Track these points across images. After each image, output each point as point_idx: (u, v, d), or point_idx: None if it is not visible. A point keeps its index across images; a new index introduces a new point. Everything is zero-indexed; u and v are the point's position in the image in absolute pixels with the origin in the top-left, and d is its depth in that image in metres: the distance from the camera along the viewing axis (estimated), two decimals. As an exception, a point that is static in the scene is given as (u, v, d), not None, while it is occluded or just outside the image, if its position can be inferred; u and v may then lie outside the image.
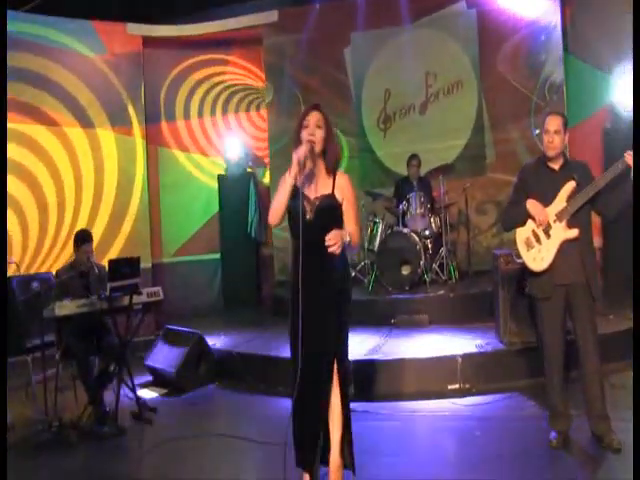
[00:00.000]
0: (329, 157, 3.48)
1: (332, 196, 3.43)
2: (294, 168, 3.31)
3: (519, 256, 4.12)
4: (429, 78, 8.96)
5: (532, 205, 3.99)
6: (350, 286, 3.67)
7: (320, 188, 3.45)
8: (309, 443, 3.45)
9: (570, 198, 3.93)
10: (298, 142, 3.40)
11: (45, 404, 5.01)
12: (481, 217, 8.59)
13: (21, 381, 5.89)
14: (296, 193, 3.39)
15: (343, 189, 3.46)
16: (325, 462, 3.51)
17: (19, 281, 5.95)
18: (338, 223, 3.43)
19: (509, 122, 8.52)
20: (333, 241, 3.26)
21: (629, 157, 3.76)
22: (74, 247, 5.48)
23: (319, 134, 3.41)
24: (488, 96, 8.68)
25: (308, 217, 3.40)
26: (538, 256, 3.99)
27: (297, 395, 3.39)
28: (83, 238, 5.47)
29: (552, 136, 3.96)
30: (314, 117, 3.43)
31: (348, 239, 3.35)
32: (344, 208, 3.46)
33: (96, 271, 5.45)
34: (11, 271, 6.60)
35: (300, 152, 3.33)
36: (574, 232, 3.91)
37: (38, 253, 8.01)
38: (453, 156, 8.60)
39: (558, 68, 8.29)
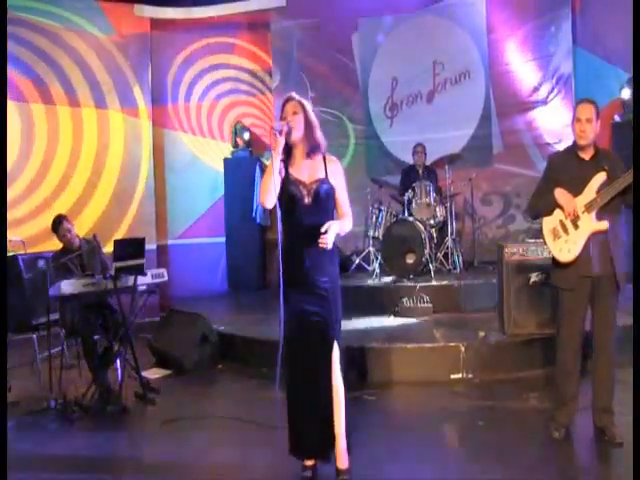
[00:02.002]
0: (309, 139, 3.48)
1: (327, 180, 3.47)
2: (274, 142, 3.34)
3: (545, 245, 4.05)
4: (437, 67, 8.94)
5: (561, 194, 3.88)
6: (339, 271, 3.65)
7: (313, 172, 3.48)
8: (321, 432, 3.46)
9: (600, 189, 3.82)
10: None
11: (50, 381, 5.02)
12: (487, 208, 8.58)
13: (26, 358, 5.92)
14: (291, 180, 3.45)
15: (335, 173, 3.51)
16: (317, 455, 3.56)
17: (25, 259, 5.96)
18: (333, 207, 3.51)
19: (516, 113, 8.50)
20: (327, 240, 3.31)
21: None
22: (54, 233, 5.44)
23: (297, 119, 3.44)
24: (496, 86, 8.65)
25: (306, 201, 3.43)
26: (565, 247, 3.90)
27: (299, 384, 3.47)
28: (54, 224, 5.41)
29: (584, 125, 3.84)
30: (289, 106, 3.48)
31: (339, 229, 3.41)
32: (337, 192, 3.51)
33: (85, 246, 5.44)
34: (17, 249, 6.59)
35: (275, 125, 3.38)
36: (603, 224, 3.81)
37: (44, 231, 7.96)
38: (460, 146, 8.58)
39: (567, 60, 8.26)
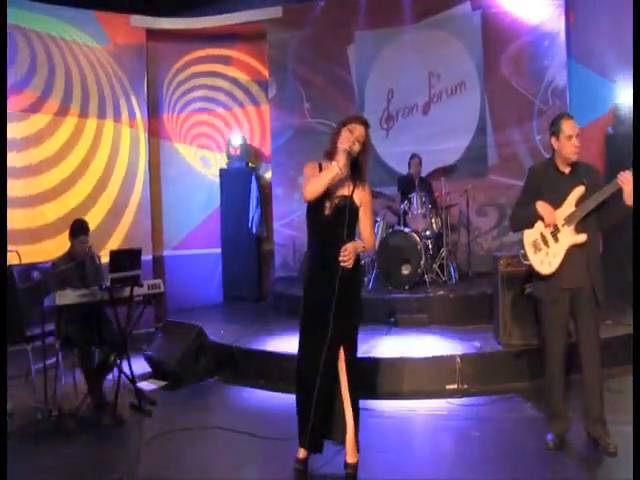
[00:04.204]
0: (358, 171, 3.70)
1: (351, 198, 3.65)
2: (340, 157, 3.56)
3: (526, 258, 4.08)
4: (432, 78, 8.98)
5: (542, 206, 3.95)
6: (360, 283, 3.90)
7: (341, 188, 3.67)
8: (319, 426, 3.65)
9: (579, 203, 3.91)
10: (337, 135, 3.64)
11: (45, 393, 4.99)
12: (482, 219, 8.61)
13: (21, 370, 5.90)
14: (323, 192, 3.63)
15: (362, 196, 3.70)
16: (328, 437, 3.74)
17: (20, 270, 5.95)
18: (352, 224, 3.68)
19: (512, 125, 8.54)
20: (347, 257, 3.52)
21: (621, 179, 3.75)
22: (70, 237, 5.39)
23: (357, 148, 3.63)
24: (491, 98, 8.69)
25: (326, 212, 3.63)
26: (546, 259, 3.97)
27: (306, 383, 3.61)
28: (80, 229, 5.39)
29: (576, 140, 3.91)
30: (360, 131, 3.65)
31: (361, 249, 3.63)
32: (361, 214, 3.71)
33: (96, 261, 5.45)
34: (12, 260, 6.57)
35: (346, 143, 3.57)
36: (582, 237, 3.89)
37: (39, 241, 7.99)
38: (455, 157, 8.60)
39: (561, 73, 8.31)
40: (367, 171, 3.75)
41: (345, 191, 3.65)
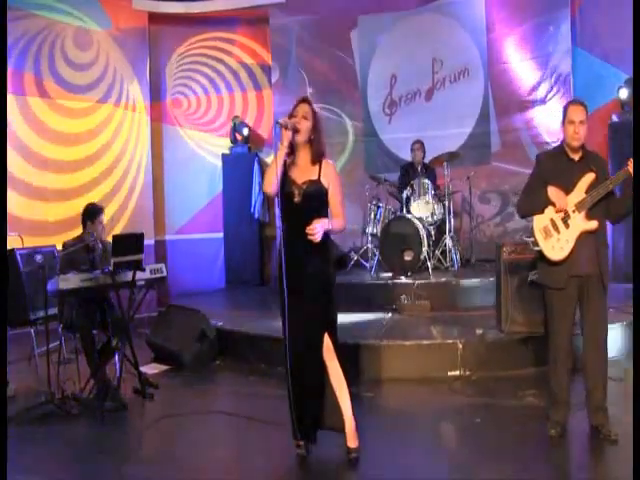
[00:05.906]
0: (315, 147, 3.69)
1: (318, 182, 3.67)
2: (283, 135, 3.55)
3: (536, 244, 4.03)
4: (436, 64, 8.95)
5: (553, 192, 3.91)
6: (333, 268, 3.87)
7: (307, 174, 3.68)
8: (310, 416, 3.73)
9: (589, 189, 3.88)
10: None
11: (48, 376, 5.00)
12: (485, 206, 8.61)
13: (24, 353, 5.91)
14: (288, 179, 3.65)
15: (329, 176, 3.70)
16: (322, 426, 3.80)
17: (23, 254, 5.96)
18: (324, 207, 3.69)
19: (515, 112, 8.51)
20: (314, 230, 3.51)
21: (631, 166, 3.74)
22: (88, 221, 5.39)
23: (305, 124, 3.62)
24: (495, 85, 8.67)
25: (296, 200, 3.63)
26: (557, 245, 3.93)
27: (292, 372, 3.70)
28: (96, 211, 5.42)
29: (578, 127, 3.88)
30: (302, 109, 3.67)
31: (329, 227, 3.60)
32: (330, 194, 3.70)
33: (102, 247, 5.45)
34: (15, 244, 6.58)
35: (281, 119, 3.58)
36: (594, 224, 3.87)
37: (41, 227, 7.96)
38: (458, 144, 8.58)
39: (566, 59, 8.27)
40: (325, 145, 3.75)
41: (312, 175, 3.67)
